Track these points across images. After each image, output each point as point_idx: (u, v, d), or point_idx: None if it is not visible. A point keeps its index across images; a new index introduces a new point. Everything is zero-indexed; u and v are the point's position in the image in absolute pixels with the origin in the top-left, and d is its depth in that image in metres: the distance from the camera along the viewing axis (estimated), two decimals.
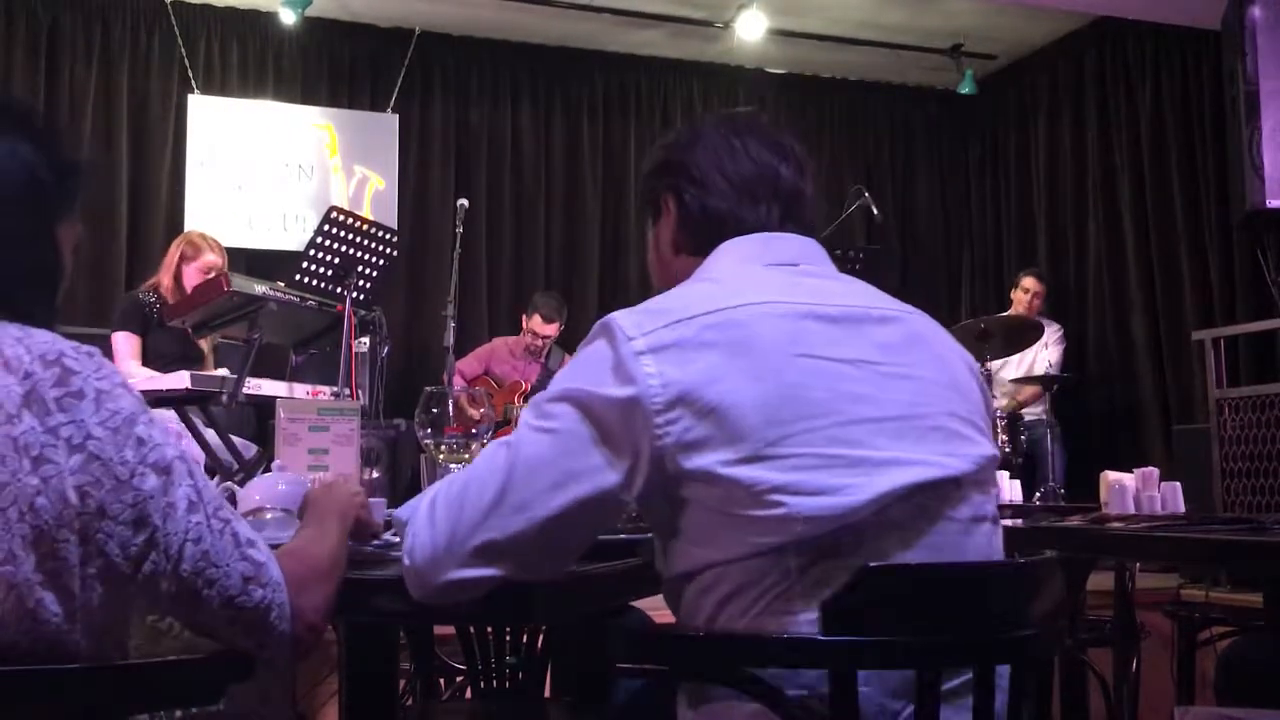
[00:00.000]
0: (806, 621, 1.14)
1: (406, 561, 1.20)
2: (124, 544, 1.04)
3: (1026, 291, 6.10)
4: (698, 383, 1.15)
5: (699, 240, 1.37)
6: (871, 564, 1.11)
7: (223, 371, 4.24)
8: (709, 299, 1.22)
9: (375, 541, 1.44)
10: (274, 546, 1.18)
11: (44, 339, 1.07)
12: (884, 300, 1.32)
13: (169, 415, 3.91)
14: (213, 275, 4.50)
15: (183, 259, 4.54)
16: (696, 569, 1.20)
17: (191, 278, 4.51)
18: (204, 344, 4.48)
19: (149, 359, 4.40)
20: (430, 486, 1.35)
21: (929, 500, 1.19)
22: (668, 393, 1.15)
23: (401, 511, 1.34)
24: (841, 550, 1.14)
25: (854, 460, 1.15)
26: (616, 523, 1.40)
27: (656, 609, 2.05)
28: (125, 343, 4.39)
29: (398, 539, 1.53)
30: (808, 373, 1.18)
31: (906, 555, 1.17)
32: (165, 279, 4.55)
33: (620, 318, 1.21)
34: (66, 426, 1.02)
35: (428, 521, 1.20)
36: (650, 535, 1.34)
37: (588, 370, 1.21)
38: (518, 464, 1.18)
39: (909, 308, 1.34)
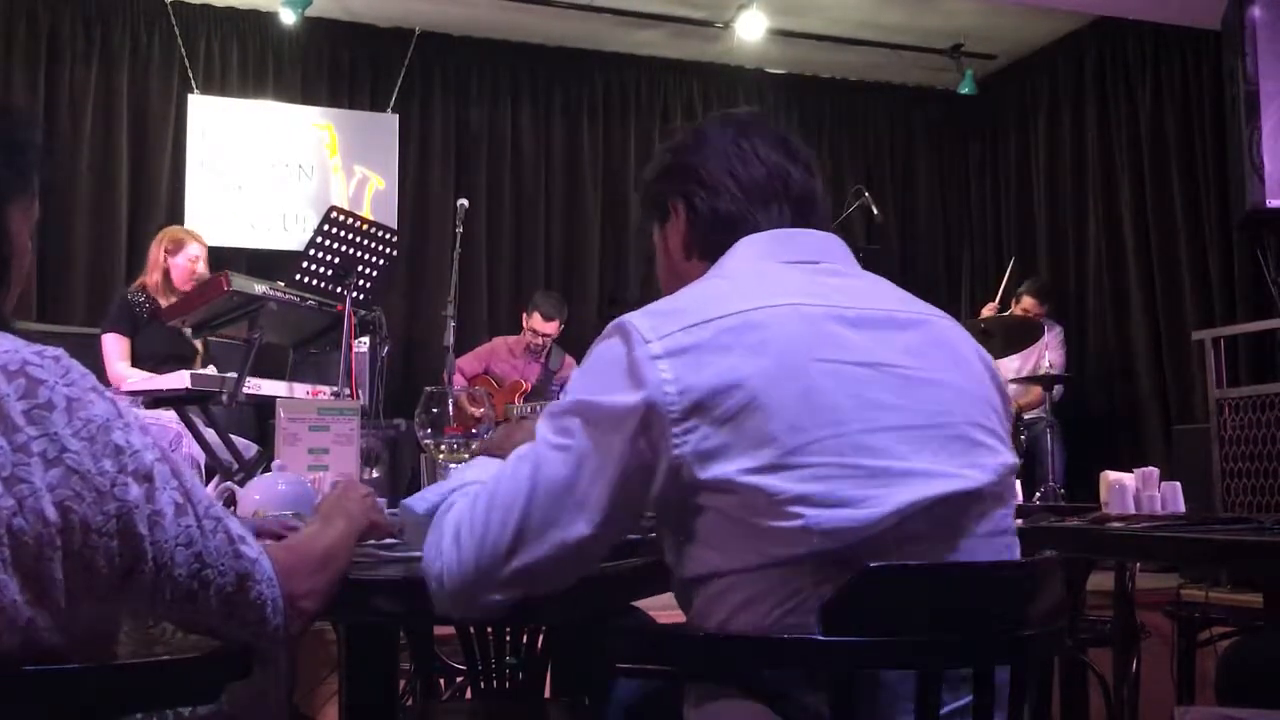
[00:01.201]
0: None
1: (434, 585, 1.19)
2: (109, 555, 1.01)
3: (1025, 311, 6.03)
4: (715, 389, 1.13)
5: (710, 244, 1.35)
6: (871, 564, 1.11)
7: (210, 369, 4.25)
8: (725, 300, 1.19)
9: (386, 541, 1.44)
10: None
11: (4, 347, 1.02)
12: (908, 302, 1.30)
13: (169, 415, 3.91)
14: (199, 264, 4.53)
15: (167, 254, 4.57)
16: (708, 575, 1.18)
17: (179, 271, 4.54)
18: (196, 342, 4.49)
19: (140, 358, 4.42)
20: (443, 487, 1.33)
21: (949, 513, 1.17)
22: (684, 400, 1.13)
23: (415, 503, 1.33)
24: (857, 564, 1.11)
25: (875, 470, 1.13)
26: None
27: (656, 609, 2.04)
28: (115, 343, 4.41)
29: (400, 540, 1.53)
30: (829, 377, 1.15)
31: None
32: (153, 277, 4.57)
33: (636, 319, 1.19)
34: (39, 440, 0.98)
35: (454, 545, 1.19)
36: (653, 535, 1.34)
37: (601, 375, 1.19)
38: (537, 486, 1.17)
39: (933, 310, 1.32)
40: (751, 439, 1.12)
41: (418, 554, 1.45)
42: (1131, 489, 2.59)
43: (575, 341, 6.55)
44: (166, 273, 4.56)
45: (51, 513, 0.97)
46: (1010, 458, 1.26)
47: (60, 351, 1.04)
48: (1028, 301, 6.11)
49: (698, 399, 1.13)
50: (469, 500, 1.22)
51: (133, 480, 1.02)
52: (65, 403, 1.00)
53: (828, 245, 1.33)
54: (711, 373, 1.13)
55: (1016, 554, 1.28)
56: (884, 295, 1.29)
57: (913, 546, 1.14)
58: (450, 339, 4.06)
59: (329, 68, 6.66)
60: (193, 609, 1.08)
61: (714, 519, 1.15)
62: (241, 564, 1.09)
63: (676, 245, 1.39)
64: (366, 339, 4.38)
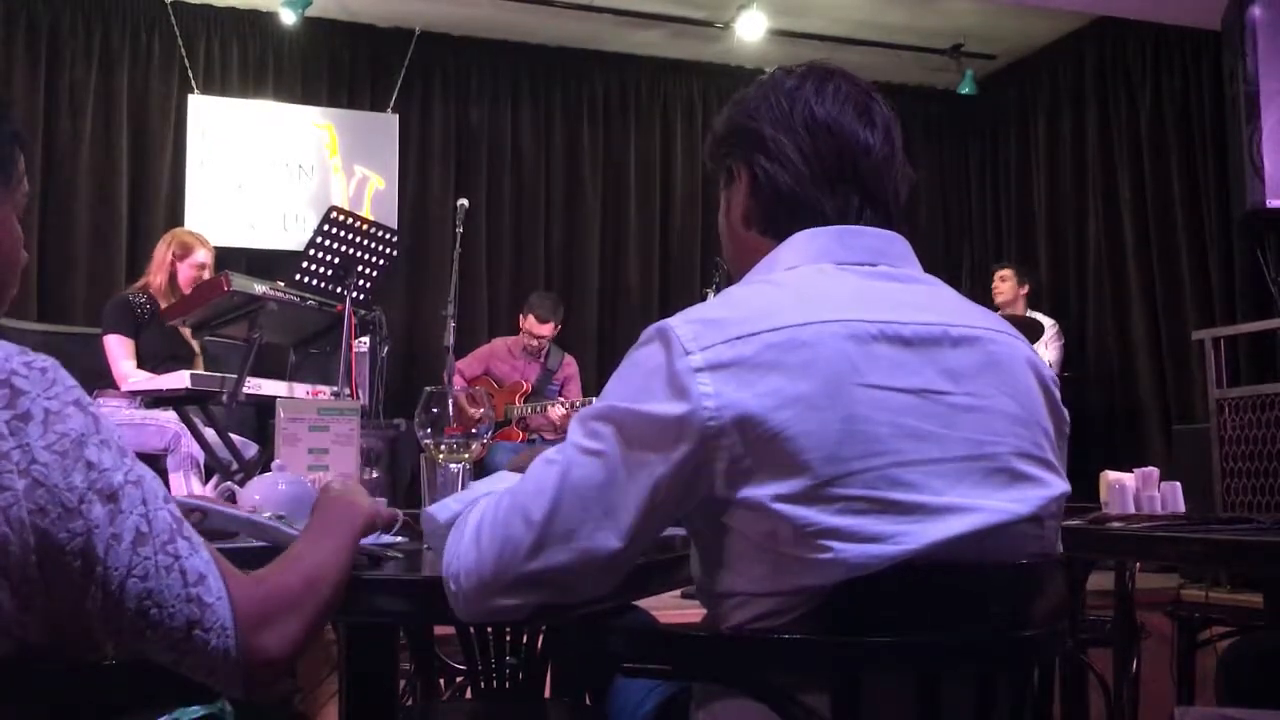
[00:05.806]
0: None
1: (452, 586, 1.16)
2: (69, 575, 0.99)
3: (1002, 280, 6.26)
4: (755, 409, 1.08)
5: (770, 219, 1.28)
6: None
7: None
8: (774, 312, 1.14)
9: (380, 538, 1.44)
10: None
11: None
12: (964, 314, 1.23)
13: (169, 415, 3.92)
14: (206, 271, 4.54)
15: (175, 258, 4.57)
16: (729, 592, 1.16)
17: (186, 274, 4.54)
18: (194, 343, 4.49)
19: (139, 359, 4.42)
20: (465, 496, 1.30)
21: (983, 545, 1.13)
22: (722, 417, 1.08)
23: (438, 511, 1.28)
24: None
25: (908, 506, 1.10)
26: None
27: (658, 608, 2.04)
28: (119, 345, 4.41)
29: (400, 539, 1.53)
30: (871, 405, 1.11)
31: None
32: (158, 279, 4.57)
33: (679, 327, 1.13)
34: (15, 451, 0.97)
35: (473, 545, 1.15)
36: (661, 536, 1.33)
37: (639, 382, 1.14)
38: (564, 489, 1.12)
39: (991, 322, 1.25)
40: (786, 465, 1.08)
41: (414, 549, 1.45)
42: (1131, 489, 2.60)
43: (575, 341, 6.55)
44: (173, 276, 4.56)
45: (29, 522, 0.97)
46: (1057, 489, 1.21)
47: (50, 363, 1.02)
48: (998, 272, 6.23)
49: (736, 418, 1.09)
50: (493, 502, 1.18)
51: (98, 499, 1.00)
52: (43, 415, 0.99)
53: (887, 245, 1.27)
54: (753, 393, 1.09)
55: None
56: (940, 306, 1.23)
57: (943, 576, 1.13)
58: (450, 339, 4.06)
59: (329, 68, 6.66)
60: (140, 645, 1.03)
61: (740, 543, 1.13)
62: (191, 609, 1.02)
63: (737, 213, 1.33)
64: (366, 339, 4.38)
